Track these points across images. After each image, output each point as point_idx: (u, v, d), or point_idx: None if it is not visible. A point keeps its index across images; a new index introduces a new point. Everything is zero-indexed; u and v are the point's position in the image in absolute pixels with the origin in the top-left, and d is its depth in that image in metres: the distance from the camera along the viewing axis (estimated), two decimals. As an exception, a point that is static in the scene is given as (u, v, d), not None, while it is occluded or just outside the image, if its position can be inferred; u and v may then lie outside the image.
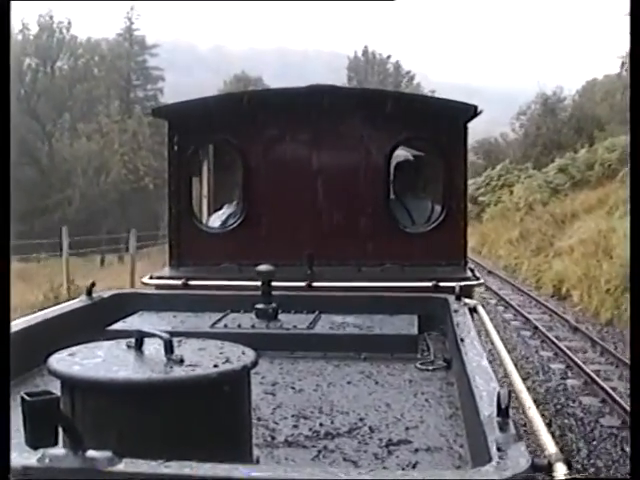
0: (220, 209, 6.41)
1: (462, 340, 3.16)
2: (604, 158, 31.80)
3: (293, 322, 3.87)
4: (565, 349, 12.92)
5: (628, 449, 7.96)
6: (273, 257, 4.69)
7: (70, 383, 2.04)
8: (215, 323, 3.87)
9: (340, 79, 69.25)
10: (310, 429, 2.66)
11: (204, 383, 2.05)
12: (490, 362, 2.78)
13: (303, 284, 5.12)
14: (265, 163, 5.91)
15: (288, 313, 4.01)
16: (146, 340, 2.25)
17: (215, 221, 6.28)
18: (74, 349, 2.25)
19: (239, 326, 3.80)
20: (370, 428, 2.67)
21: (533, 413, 2.35)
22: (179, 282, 5.36)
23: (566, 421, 9.48)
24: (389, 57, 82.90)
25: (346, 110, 5.83)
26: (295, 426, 2.70)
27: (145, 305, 4.31)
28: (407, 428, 2.68)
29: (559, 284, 19.84)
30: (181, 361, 2.10)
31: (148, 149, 52.24)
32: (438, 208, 5.95)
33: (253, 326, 3.82)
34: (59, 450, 1.69)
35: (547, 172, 36.52)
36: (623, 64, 34.39)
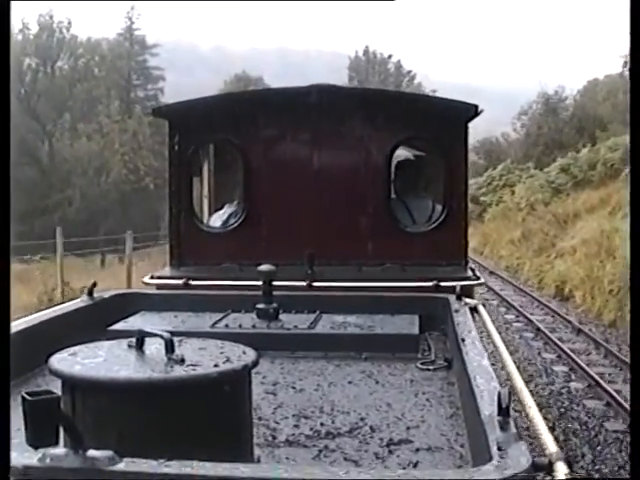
0: (221, 209, 6.41)
1: (463, 340, 3.16)
2: (607, 158, 31.70)
3: (294, 322, 3.87)
4: (568, 351, 12.86)
5: (632, 453, 7.84)
6: (274, 257, 4.69)
7: (71, 383, 2.04)
8: (216, 323, 3.88)
9: (341, 79, 69.24)
10: (311, 429, 2.66)
11: (205, 383, 2.05)
12: (491, 362, 2.78)
13: (304, 284, 5.12)
14: (266, 163, 5.91)
15: (289, 313, 4.01)
16: (147, 340, 2.25)
17: (216, 221, 6.28)
18: (75, 349, 2.26)
19: (240, 326, 3.80)
20: (371, 428, 2.66)
21: (534, 413, 2.35)
22: (180, 282, 5.36)
23: (570, 425, 9.39)
24: (390, 57, 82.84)
25: (347, 110, 5.83)
26: (296, 426, 2.70)
27: (146, 305, 4.31)
28: (408, 428, 2.68)
29: (562, 285, 19.78)
30: (182, 361, 2.10)
31: (149, 149, 52.22)
32: (439, 208, 5.95)
33: (254, 326, 3.82)
34: (60, 450, 1.69)
35: (549, 172, 36.45)
36: (625, 63, 34.35)
